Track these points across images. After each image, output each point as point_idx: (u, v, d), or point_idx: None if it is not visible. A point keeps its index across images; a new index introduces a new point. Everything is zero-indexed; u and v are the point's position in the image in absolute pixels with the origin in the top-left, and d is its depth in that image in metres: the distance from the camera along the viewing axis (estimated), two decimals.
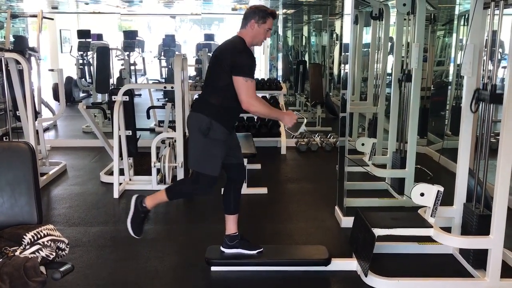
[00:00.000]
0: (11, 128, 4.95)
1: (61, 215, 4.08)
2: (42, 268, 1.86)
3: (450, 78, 6.72)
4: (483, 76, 2.93)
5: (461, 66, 3.02)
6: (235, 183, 3.12)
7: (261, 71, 13.41)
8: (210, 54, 11.14)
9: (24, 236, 1.93)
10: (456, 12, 6.66)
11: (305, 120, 3.07)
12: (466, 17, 5.79)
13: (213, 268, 3.09)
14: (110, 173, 4.91)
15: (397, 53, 4.42)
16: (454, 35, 6.64)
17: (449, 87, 6.68)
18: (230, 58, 2.80)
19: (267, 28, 2.91)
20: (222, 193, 3.16)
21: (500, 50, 2.93)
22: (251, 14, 2.89)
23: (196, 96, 6.89)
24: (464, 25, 6.14)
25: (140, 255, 3.34)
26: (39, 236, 1.95)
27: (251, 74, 2.81)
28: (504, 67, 2.65)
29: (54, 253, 1.94)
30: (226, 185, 3.14)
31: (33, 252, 1.88)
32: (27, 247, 1.91)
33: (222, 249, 3.15)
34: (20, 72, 4.64)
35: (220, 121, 2.85)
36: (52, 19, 10.48)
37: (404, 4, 4.16)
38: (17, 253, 1.87)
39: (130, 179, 4.85)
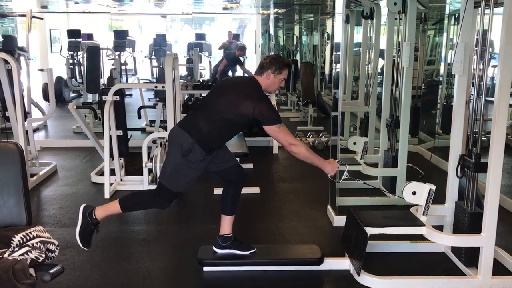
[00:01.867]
0: (0, 128, 4.89)
1: (52, 216, 4.04)
2: (32, 270, 1.84)
3: (441, 77, 6.76)
4: (473, 75, 2.95)
5: (452, 65, 3.03)
6: (236, 183, 3.11)
7: (253, 71, 13.39)
8: (201, 54, 11.19)
9: (13, 238, 1.91)
10: (447, 11, 6.69)
11: (347, 167, 3.04)
12: (457, 16, 5.83)
13: (205, 269, 3.08)
14: (101, 173, 4.88)
15: (388, 52, 4.43)
16: (445, 34, 6.68)
17: (440, 86, 6.71)
18: (254, 108, 2.78)
19: (282, 78, 2.97)
20: (221, 193, 3.14)
21: (491, 49, 2.94)
22: (268, 64, 2.94)
23: (187, 96, 6.90)
24: (454, 24, 6.17)
25: (132, 256, 3.32)
26: (28, 237, 1.93)
27: (279, 120, 2.83)
28: (494, 66, 2.66)
29: (43, 255, 1.91)
30: (225, 186, 3.11)
31: (22, 254, 1.85)
32: (16, 249, 1.88)
33: (215, 249, 3.14)
34: (9, 72, 4.58)
35: (202, 146, 2.82)
36: (42, 18, 10.41)
37: (395, 3, 4.17)
38: (5, 255, 1.84)
39: (121, 180, 4.82)
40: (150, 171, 4.64)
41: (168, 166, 2.91)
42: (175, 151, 2.87)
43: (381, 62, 5.12)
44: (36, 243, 1.92)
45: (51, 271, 1.80)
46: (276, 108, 6.53)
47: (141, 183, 4.67)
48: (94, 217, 2.92)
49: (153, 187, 4.61)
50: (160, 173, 2.99)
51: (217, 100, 2.89)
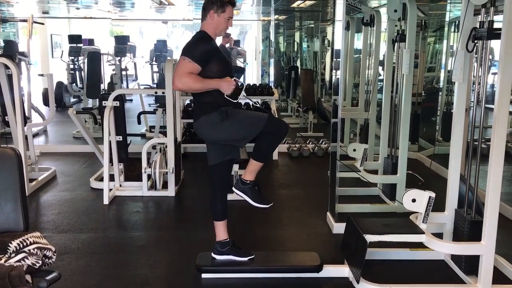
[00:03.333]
0: (0, 133, 4.89)
1: (50, 222, 4.02)
2: (28, 277, 1.83)
3: (441, 84, 6.76)
4: (473, 83, 2.94)
5: (452, 72, 3.03)
6: (222, 187, 3.08)
7: (253, 77, 13.41)
8: None
9: (10, 244, 1.89)
10: (447, 18, 6.70)
11: (244, 86, 2.98)
12: (457, 23, 5.84)
13: (203, 275, 3.06)
14: (100, 179, 4.87)
15: (388, 59, 4.43)
16: (445, 41, 6.68)
17: (440, 93, 6.71)
18: (184, 47, 2.80)
19: (227, 17, 2.88)
20: (209, 198, 3.12)
21: (490, 56, 2.94)
22: (209, 4, 2.87)
23: (187, 102, 6.90)
24: (454, 31, 6.18)
25: (130, 262, 3.30)
26: (25, 244, 1.92)
27: (193, 56, 2.73)
28: (494, 73, 2.66)
29: (40, 261, 1.90)
30: (212, 191, 3.09)
31: (19, 261, 1.84)
32: (13, 255, 1.87)
33: (213, 255, 3.12)
34: (10, 77, 4.59)
35: (219, 108, 2.83)
36: (43, 24, 10.43)
37: (395, 11, 4.18)
38: (2, 261, 1.83)
39: (120, 185, 4.81)
40: (149, 176, 4.64)
41: (236, 132, 2.86)
42: (219, 128, 2.84)
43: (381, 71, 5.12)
44: (33, 249, 1.91)
45: (48, 277, 1.79)
46: (277, 115, 6.52)
47: (140, 188, 4.65)
48: (248, 182, 2.98)
49: (153, 193, 4.63)
50: (242, 142, 2.92)
51: None
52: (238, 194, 3.02)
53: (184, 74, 2.72)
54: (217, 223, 3.10)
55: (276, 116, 3.06)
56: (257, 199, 3.01)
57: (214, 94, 2.84)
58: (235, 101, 2.89)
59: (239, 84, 2.89)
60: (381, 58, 5.11)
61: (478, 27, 2.76)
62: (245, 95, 2.94)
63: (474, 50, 2.86)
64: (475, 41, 2.79)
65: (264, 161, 2.98)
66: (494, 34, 2.64)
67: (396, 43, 4.25)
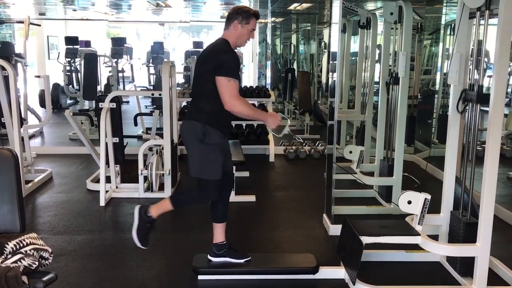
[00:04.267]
0: None
1: (46, 223, 4.02)
2: (24, 278, 1.82)
3: (437, 86, 6.79)
4: (469, 85, 2.96)
5: (448, 75, 3.04)
6: (223, 191, 3.10)
7: (250, 79, 13.42)
8: None
9: (6, 245, 1.89)
10: (443, 21, 6.74)
11: (289, 122, 3.04)
12: (452, 26, 5.87)
13: (200, 277, 3.06)
14: (97, 180, 4.86)
15: (384, 62, 4.45)
16: (441, 44, 6.72)
17: (436, 95, 6.74)
18: (215, 60, 2.80)
19: (250, 29, 2.91)
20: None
21: (486, 59, 2.96)
22: (234, 15, 2.89)
23: (184, 104, 6.90)
24: (450, 34, 6.21)
25: (126, 264, 3.30)
26: (21, 245, 1.92)
27: (234, 75, 2.77)
28: (490, 76, 2.68)
29: (37, 262, 1.90)
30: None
31: (15, 262, 1.84)
32: (9, 256, 1.87)
33: (210, 257, 3.12)
34: (6, 79, 4.58)
35: (214, 125, 2.83)
36: (39, 25, 10.43)
37: (392, 13, 4.20)
38: None
39: (116, 187, 4.80)
40: (145, 178, 4.63)
41: (195, 160, 2.90)
42: (192, 143, 2.87)
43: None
44: (30, 250, 1.91)
45: (44, 278, 1.79)
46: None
47: (137, 190, 4.65)
48: (149, 215, 2.96)
49: (149, 194, 4.63)
50: (191, 171, 2.95)
51: (199, 76, 2.91)
52: (134, 213, 3.01)
53: (236, 96, 2.77)
54: (216, 225, 3.10)
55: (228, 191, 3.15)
56: (140, 234, 2.98)
57: (215, 106, 2.82)
58: (279, 135, 3.05)
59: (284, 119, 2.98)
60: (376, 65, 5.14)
61: (468, 89, 2.85)
62: (289, 130, 3.04)
63: (470, 53, 2.88)
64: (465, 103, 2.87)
65: (176, 207, 3.01)
66: (484, 97, 2.71)
67: (390, 85, 4.31)
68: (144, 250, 3.48)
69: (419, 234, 2.86)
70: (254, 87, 7.58)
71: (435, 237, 3.12)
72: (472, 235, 2.80)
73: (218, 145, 2.87)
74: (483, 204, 2.70)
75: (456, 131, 3.04)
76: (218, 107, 2.82)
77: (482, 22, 2.76)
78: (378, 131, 4.55)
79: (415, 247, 3.00)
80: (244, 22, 2.87)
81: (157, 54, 11.96)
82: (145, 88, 11.71)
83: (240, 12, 2.87)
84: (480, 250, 2.76)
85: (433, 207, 2.96)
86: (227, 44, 2.88)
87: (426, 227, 2.98)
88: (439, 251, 3.07)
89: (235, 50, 2.97)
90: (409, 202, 2.88)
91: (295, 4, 8.58)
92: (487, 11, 2.68)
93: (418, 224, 2.90)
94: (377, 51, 5.37)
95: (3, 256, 1.88)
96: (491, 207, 2.71)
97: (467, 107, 2.91)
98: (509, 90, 6.18)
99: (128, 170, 5.10)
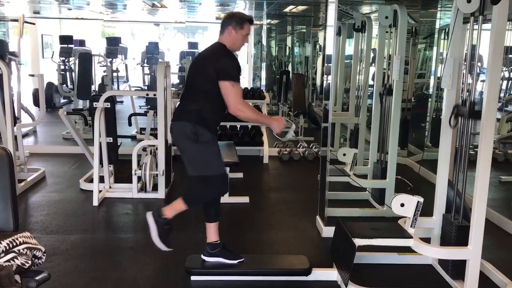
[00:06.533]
0: None
1: (39, 223, 4.00)
2: (17, 277, 1.82)
3: (431, 90, 6.83)
4: (462, 89, 2.99)
5: (441, 79, 3.07)
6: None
7: (245, 80, 13.44)
8: None
9: None
10: (437, 26, 6.79)
11: (293, 126, 3.07)
12: (447, 31, 5.91)
13: (193, 278, 3.07)
14: (90, 180, 4.85)
15: (378, 65, 4.48)
16: (435, 48, 6.76)
17: (430, 99, 6.78)
18: (214, 64, 2.83)
19: (244, 34, 2.95)
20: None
21: (479, 64, 2.99)
22: (228, 20, 2.93)
23: (178, 104, 6.90)
24: (444, 39, 6.26)
25: (119, 264, 3.29)
26: (14, 244, 1.91)
27: (237, 78, 2.82)
28: (483, 81, 2.70)
29: (30, 261, 1.89)
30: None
31: (8, 261, 1.83)
32: (2, 255, 1.86)
33: (203, 257, 3.13)
34: (0, 77, 4.56)
35: (203, 125, 2.86)
36: (34, 23, 10.37)
37: (386, 17, 4.23)
38: None
39: (110, 187, 4.79)
40: (139, 178, 4.63)
41: (192, 160, 2.93)
42: (185, 143, 2.89)
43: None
44: (23, 249, 1.90)
45: (37, 277, 1.78)
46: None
47: (130, 190, 4.64)
48: (164, 217, 2.96)
49: (142, 195, 4.62)
50: (192, 171, 2.96)
51: (193, 78, 2.94)
52: (148, 221, 2.99)
53: (241, 101, 2.82)
54: (209, 225, 3.11)
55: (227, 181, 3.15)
56: (163, 237, 2.98)
57: (205, 106, 2.86)
58: (283, 139, 3.02)
59: (289, 124, 3.03)
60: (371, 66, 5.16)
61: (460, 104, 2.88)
62: (293, 135, 3.06)
63: (464, 57, 2.91)
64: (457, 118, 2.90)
65: (190, 206, 3.00)
66: (475, 113, 2.75)
67: (384, 96, 4.34)
68: (137, 251, 3.49)
69: (411, 237, 2.88)
70: (249, 88, 7.59)
71: (427, 240, 3.14)
72: (464, 238, 2.82)
73: (211, 141, 2.91)
74: (475, 208, 2.73)
75: (449, 135, 3.07)
76: (208, 108, 2.87)
77: (475, 27, 2.79)
78: (372, 134, 4.57)
79: (408, 250, 3.01)
80: (239, 27, 2.91)
81: (152, 54, 11.92)
82: (139, 88, 11.68)
83: (234, 18, 2.92)
84: (471, 253, 2.78)
85: (426, 210, 2.98)
86: (224, 48, 2.92)
87: (419, 230, 2.99)
88: (431, 253, 3.09)
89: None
90: (402, 205, 2.90)
91: (291, 7, 8.60)
92: (480, 16, 2.70)
93: (411, 226, 2.92)
94: (372, 55, 5.40)
95: None
96: (483, 211, 2.73)
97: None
98: (501, 95, 6.23)
99: (122, 170, 5.09)
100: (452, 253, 2.92)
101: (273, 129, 2.96)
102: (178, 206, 3.00)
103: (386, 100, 4.29)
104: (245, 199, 4.65)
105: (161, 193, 4.64)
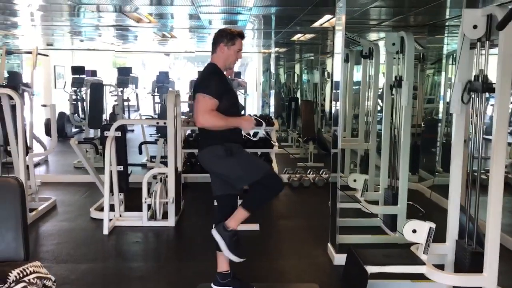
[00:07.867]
0: (1, 163, 4.92)
1: (49, 252, 4.00)
2: None
3: (440, 115, 6.82)
4: (471, 114, 2.98)
5: (450, 104, 3.06)
6: (226, 216, 3.07)
7: (254, 107, 13.53)
8: None
9: (10, 274, 1.89)
10: (444, 51, 6.82)
11: (264, 125, 3.08)
12: (454, 56, 5.94)
13: None
14: (101, 209, 4.86)
15: (387, 91, 4.49)
16: (443, 73, 6.78)
17: (439, 124, 6.76)
18: (198, 81, 2.93)
19: (237, 49, 2.98)
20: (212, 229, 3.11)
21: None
22: (219, 38, 2.97)
23: (188, 132, 6.95)
24: (452, 64, 6.27)
25: None
26: (25, 273, 1.91)
27: (210, 92, 2.82)
28: (492, 105, 2.70)
29: None
30: (217, 221, 3.08)
31: None
32: (12, 284, 1.86)
33: (214, 286, 3.09)
34: (13, 108, 4.64)
35: (229, 141, 2.91)
36: (47, 55, 10.58)
37: (393, 44, 4.26)
38: None
39: (120, 215, 4.79)
40: (149, 206, 4.63)
41: (238, 172, 2.93)
42: (221, 162, 2.91)
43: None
44: (33, 278, 1.91)
45: None
46: (277, 145, 6.56)
47: (140, 219, 4.64)
48: (230, 229, 2.94)
49: (152, 223, 4.61)
50: (240, 184, 3.01)
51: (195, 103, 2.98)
52: (215, 237, 2.96)
53: (206, 111, 2.82)
54: (220, 254, 3.07)
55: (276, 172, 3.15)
56: (233, 249, 2.95)
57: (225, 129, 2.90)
58: (254, 139, 3.05)
59: (258, 122, 3.01)
60: (379, 92, 5.18)
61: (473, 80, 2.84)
62: (264, 133, 3.07)
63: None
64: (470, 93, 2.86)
65: (252, 212, 2.99)
66: (488, 87, 2.71)
67: (394, 88, 4.34)
68: (147, 279, 3.47)
69: (424, 264, 2.83)
70: (257, 115, 7.63)
71: (440, 267, 3.08)
72: (479, 265, 2.76)
73: (241, 149, 2.97)
74: (488, 233, 2.68)
75: (460, 160, 3.05)
76: (222, 131, 2.90)
77: (483, 52, 2.80)
78: (382, 160, 4.55)
79: (421, 277, 2.96)
80: (230, 43, 2.95)
81: (162, 83, 12.10)
82: (150, 117, 11.81)
83: (224, 35, 2.95)
84: (487, 280, 2.72)
85: (438, 236, 2.94)
86: (212, 66, 2.98)
87: (432, 256, 2.95)
88: (445, 281, 3.02)
89: (236, 72, 3.06)
90: (414, 231, 2.87)
91: (299, 35, 8.70)
92: (487, 41, 2.72)
93: (423, 253, 2.87)
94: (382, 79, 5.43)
95: (6, 285, 1.87)
96: (497, 236, 2.68)
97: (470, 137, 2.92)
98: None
99: (132, 198, 5.09)
100: (467, 280, 2.86)
101: (243, 129, 2.96)
102: (240, 215, 2.97)
103: (395, 124, 4.28)
104: (255, 227, 4.62)
105: (171, 221, 4.63)
